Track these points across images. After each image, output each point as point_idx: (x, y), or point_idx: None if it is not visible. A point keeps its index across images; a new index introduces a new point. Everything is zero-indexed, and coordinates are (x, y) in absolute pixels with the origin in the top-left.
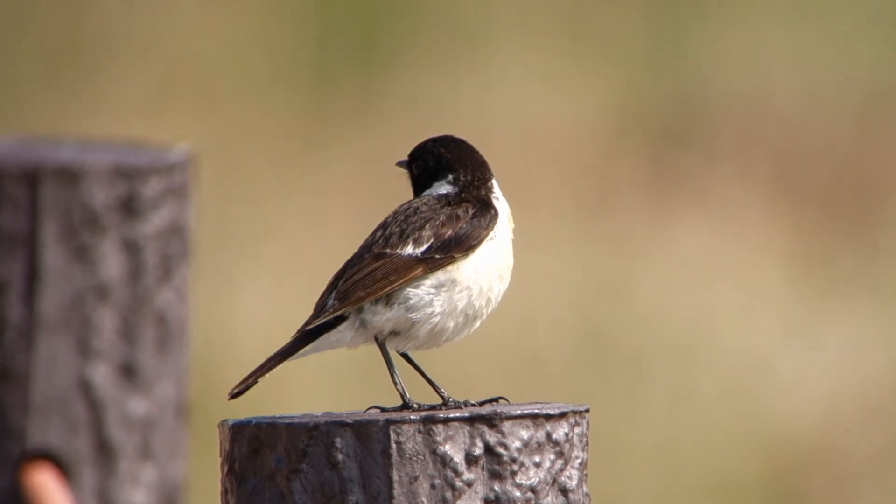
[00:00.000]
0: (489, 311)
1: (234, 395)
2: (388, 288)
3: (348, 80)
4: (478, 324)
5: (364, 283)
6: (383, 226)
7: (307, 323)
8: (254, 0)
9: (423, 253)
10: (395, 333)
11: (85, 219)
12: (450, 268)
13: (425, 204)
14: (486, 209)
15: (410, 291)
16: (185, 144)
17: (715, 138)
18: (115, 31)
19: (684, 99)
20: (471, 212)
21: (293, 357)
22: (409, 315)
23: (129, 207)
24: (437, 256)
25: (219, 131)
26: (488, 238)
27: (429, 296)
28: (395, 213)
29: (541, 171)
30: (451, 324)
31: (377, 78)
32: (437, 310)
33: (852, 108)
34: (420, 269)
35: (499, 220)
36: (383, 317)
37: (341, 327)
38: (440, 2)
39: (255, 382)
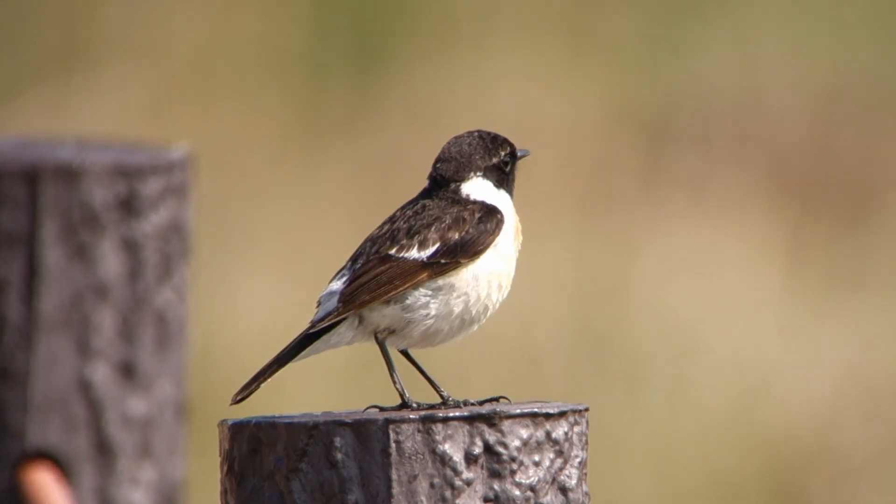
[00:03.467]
0: (486, 317)
1: (236, 401)
2: (393, 293)
3: (345, 80)
4: (475, 327)
5: (369, 287)
6: (391, 220)
7: (312, 324)
8: (252, 0)
9: (428, 258)
10: (391, 331)
11: (85, 218)
12: (451, 273)
13: (431, 200)
14: (492, 214)
15: (409, 291)
16: (185, 144)
17: (711, 136)
18: (114, 32)
19: (681, 97)
20: (477, 215)
21: (294, 360)
22: (405, 315)
23: (129, 206)
24: (443, 261)
25: (218, 131)
26: (493, 245)
27: (426, 298)
28: (404, 207)
29: (538, 169)
30: (446, 327)
31: (374, 78)
32: (433, 312)
33: (848, 106)
34: (425, 275)
35: (504, 227)
36: (380, 313)
37: (340, 328)
38: (436, 1)
39: (257, 387)
